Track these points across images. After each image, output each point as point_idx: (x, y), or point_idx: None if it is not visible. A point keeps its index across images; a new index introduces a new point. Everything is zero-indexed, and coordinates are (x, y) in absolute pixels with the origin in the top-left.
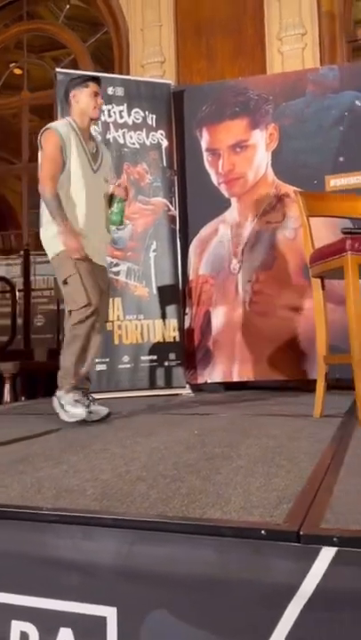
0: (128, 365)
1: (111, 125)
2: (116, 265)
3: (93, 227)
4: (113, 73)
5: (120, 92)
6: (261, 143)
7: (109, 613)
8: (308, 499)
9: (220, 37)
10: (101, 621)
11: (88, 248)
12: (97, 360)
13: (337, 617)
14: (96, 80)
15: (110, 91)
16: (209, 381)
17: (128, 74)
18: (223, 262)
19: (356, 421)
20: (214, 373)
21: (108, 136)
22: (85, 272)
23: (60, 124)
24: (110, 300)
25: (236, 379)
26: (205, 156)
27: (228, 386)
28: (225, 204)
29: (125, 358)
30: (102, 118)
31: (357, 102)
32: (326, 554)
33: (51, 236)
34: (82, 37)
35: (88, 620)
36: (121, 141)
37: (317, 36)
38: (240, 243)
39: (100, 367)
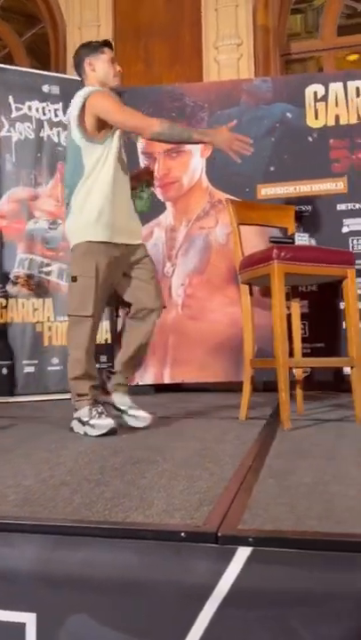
0: (58, 367)
1: (45, 123)
2: (48, 265)
3: (119, 206)
4: (49, 69)
5: (56, 90)
6: (196, 149)
7: (29, 619)
8: (228, 500)
9: (159, 42)
10: (20, 627)
11: (113, 229)
12: (25, 362)
13: (251, 614)
14: (110, 45)
15: (46, 89)
16: (140, 383)
17: (65, 72)
18: (157, 265)
19: (280, 423)
20: (145, 376)
21: (42, 134)
22: (103, 279)
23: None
24: (41, 300)
25: (167, 381)
26: (141, 159)
27: (159, 388)
28: (160, 208)
29: (55, 360)
30: (37, 116)
31: (288, 114)
32: (242, 554)
33: (80, 226)
34: (17, 30)
35: (7, 626)
36: (55, 140)
37: (252, 48)
38: (174, 246)
39: (28, 369)
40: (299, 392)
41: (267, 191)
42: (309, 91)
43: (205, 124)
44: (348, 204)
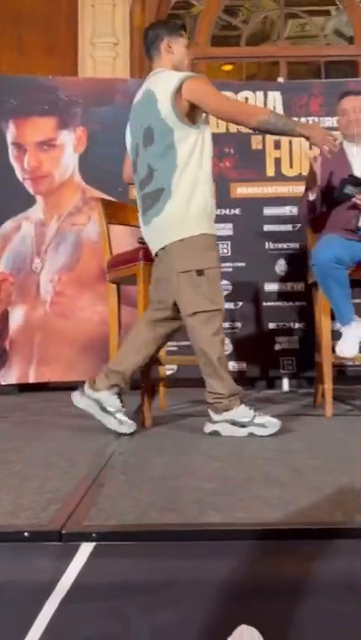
0: None
1: None
2: None
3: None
4: None
5: None
6: (69, 144)
7: None
8: (77, 498)
9: (34, 32)
10: None
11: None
12: None
13: (92, 607)
14: (186, 30)
15: None
16: (3, 383)
17: None
18: (25, 260)
19: (140, 420)
20: (9, 375)
21: None
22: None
23: None
24: None
25: (32, 380)
26: (11, 149)
27: (24, 387)
28: (30, 201)
29: None
30: None
31: None
32: (85, 549)
33: (191, 217)
34: None
35: None
36: None
37: (129, 49)
38: (44, 242)
39: None
40: (162, 389)
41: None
42: None
43: (79, 119)
44: None
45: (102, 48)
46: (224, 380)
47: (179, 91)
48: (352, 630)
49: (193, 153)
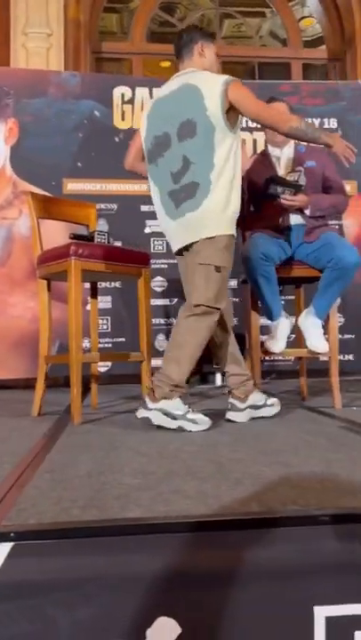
0: None
1: None
2: None
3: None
4: None
5: None
6: (0, 136)
7: None
8: None
9: None
10: None
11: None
12: None
13: (11, 606)
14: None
15: None
16: None
17: None
18: None
19: (70, 418)
20: None
21: None
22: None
23: None
24: None
25: None
26: None
27: None
28: None
29: None
30: None
31: (96, 112)
32: (3, 550)
33: (226, 217)
34: None
35: None
36: None
37: (63, 40)
38: None
39: None
40: (94, 386)
41: (73, 186)
42: (117, 92)
43: (11, 110)
44: (151, 206)
45: (35, 39)
46: (181, 369)
47: (225, 91)
48: (269, 617)
49: (229, 155)
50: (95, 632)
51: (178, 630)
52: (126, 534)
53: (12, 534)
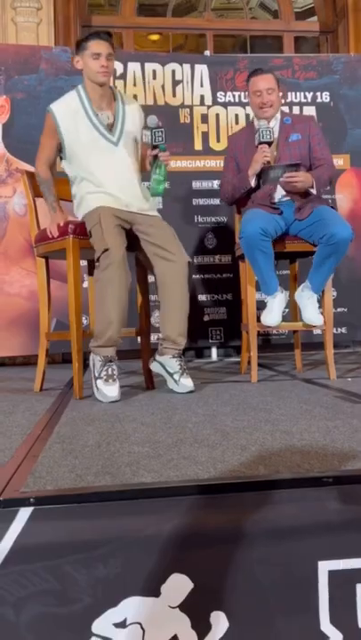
0: None
1: None
2: None
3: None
4: None
5: None
6: None
7: None
8: (13, 468)
9: None
10: None
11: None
12: None
13: (32, 567)
14: (98, 36)
15: None
16: None
17: None
18: None
19: (72, 393)
20: None
21: None
22: (106, 218)
23: (60, 102)
24: None
25: None
26: None
27: None
28: None
29: None
30: None
31: None
32: (23, 514)
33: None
34: None
35: None
36: None
37: (52, 14)
38: None
39: None
40: None
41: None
42: None
43: (2, 87)
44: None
45: (24, 13)
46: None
47: None
48: (276, 572)
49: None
50: (114, 589)
51: (190, 586)
52: (141, 498)
53: (31, 499)
